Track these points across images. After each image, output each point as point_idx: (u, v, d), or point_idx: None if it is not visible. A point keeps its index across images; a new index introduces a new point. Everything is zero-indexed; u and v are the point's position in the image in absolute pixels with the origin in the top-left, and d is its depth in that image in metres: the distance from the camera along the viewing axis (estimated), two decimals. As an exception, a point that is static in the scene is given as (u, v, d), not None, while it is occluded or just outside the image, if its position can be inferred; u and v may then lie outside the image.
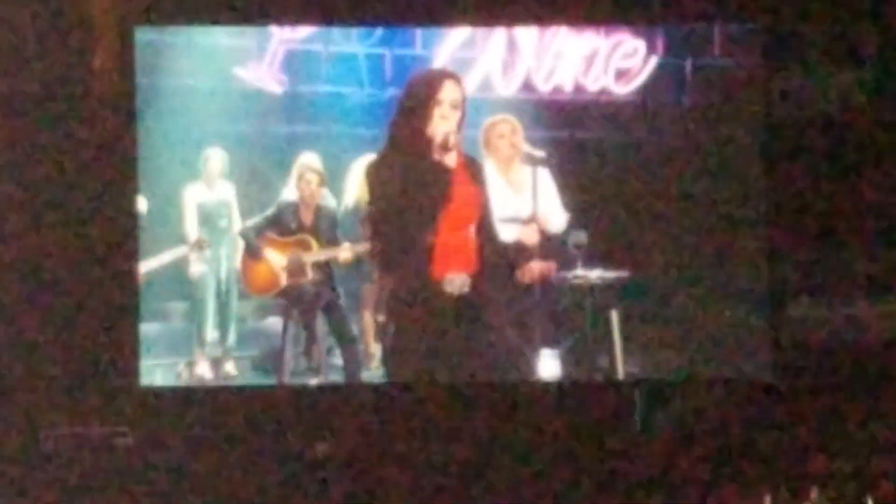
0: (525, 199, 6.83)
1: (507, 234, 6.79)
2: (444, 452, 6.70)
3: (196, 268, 7.32)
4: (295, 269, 7.19)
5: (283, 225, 7.23)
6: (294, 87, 7.54)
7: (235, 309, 7.44)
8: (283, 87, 7.52)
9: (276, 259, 7.22)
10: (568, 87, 7.65)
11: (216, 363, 7.39)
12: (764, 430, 7.05)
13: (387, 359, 6.21)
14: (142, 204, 7.05)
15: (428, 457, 6.70)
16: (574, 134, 7.54)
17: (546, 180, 6.97)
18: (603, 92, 7.66)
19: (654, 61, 7.62)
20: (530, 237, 6.79)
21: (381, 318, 6.55)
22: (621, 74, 7.63)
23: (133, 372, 6.88)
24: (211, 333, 7.41)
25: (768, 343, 7.23)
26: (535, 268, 6.66)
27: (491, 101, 7.34)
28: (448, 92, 5.83)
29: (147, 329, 7.29)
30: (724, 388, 7.17)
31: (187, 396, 6.95)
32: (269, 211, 7.27)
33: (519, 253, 6.79)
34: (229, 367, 7.43)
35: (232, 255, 7.35)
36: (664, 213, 7.37)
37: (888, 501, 6.77)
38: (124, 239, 6.90)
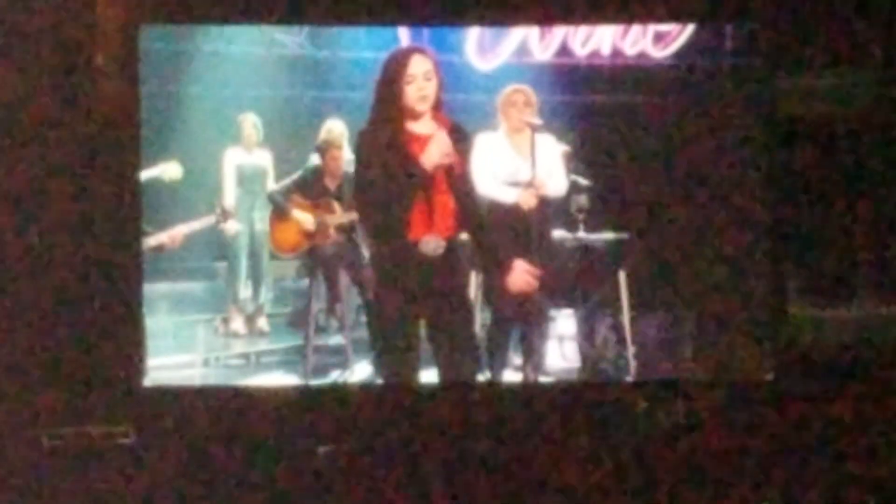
0: (527, 165, 7.06)
1: (507, 196, 7.06)
2: (440, 453, 6.86)
3: (232, 227, 7.77)
4: (319, 231, 7.57)
5: (308, 189, 7.61)
6: (334, 52, 7.90)
7: (267, 268, 7.89)
8: (322, 52, 7.88)
9: (301, 221, 7.61)
10: (605, 51, 7.82)
11: (250, 319, 7.90)
12: (764, 432, 7.02)
13: (369, 310, 6.48)
14: (176, 170, 7.44)
15: (427, 458, 6.83)
16: (607, 98, 7.75)
17: (549, 147, 7.20)
18: (641, 56, 7.79)
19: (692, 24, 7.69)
20: (528, 201, 7.03)
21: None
22: (660, 37, 7.73)
23: (136, 371, 6.97)
24: (244, 291, 7.89)
25: (769, 345, 7.23)
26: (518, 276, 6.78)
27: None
28: (417, 65, 6.10)
29: (191, 287, 7.83)
30: (723, 389, 7.16)
31: (190, 396, 7.03)
32: (296, 175, 7.65)
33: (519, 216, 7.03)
34: (262, 324, 7.93)
35: (264, 217, 7.76)
36: (674, 188, 7.48)
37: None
38: (127, 239, 7.00)
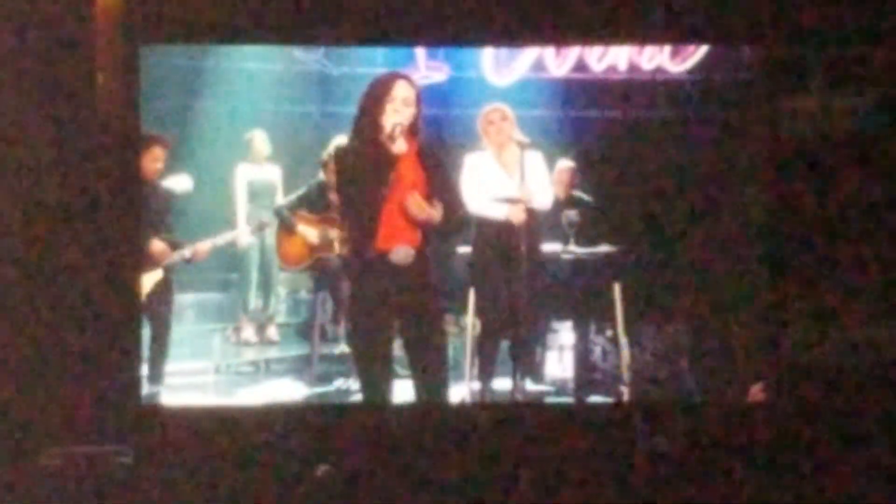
0: (514, 181, 7.20)
1: (497, 212, 7.22)
2: (437, 474, 6.83)
3: (244, 241, 8.05)
4: (323, 244, 7.81)
5: (313, 203, 7.85)
6: (352, 68, 8.13)
7: (277, 280, 8.19)
8: (340, 69, 8.11)
9: (306, 235, 7.85)
10: (622, 66, 7.95)
11: (260, 329, 8.20)
12: (763, 452, 6.94)
13: (349, 318, 6.74)
14: (187, 182, 7.70)
15: (424, 478, 6.80)
16: (610, 113, 7.90)
17: (536, 163, 7.32)
18: (658, 70, 7.90)
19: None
20: (517, 216, 7.15)
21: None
22: (676, 52, 7.83)
23: (135, 390, 6.99)
24: (254, 301, 8.18)
25: (767, 365, 7.21)
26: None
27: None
28: (399, 90, 6.31)
29: (206, 298, 8.15)
30: (723, 409, 7.15)
31: (189, 416, 7.06)
32: (301, 190, 7.90)
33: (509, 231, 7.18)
34: (271, 333, 8.29)
35: (273, 231, 8.03)
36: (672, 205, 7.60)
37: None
38: (125, 251, 6.96)
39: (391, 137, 6.23)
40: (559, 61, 8.05)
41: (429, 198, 6.34)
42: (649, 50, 7.83)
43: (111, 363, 6.86)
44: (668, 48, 7.81)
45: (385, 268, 6.23)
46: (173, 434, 6.87)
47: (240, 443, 6.86)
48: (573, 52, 7.94)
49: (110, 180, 6.90)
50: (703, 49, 7.78)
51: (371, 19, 7.02)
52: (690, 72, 7.85)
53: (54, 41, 6.88)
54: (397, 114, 6.30)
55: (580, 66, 8.00)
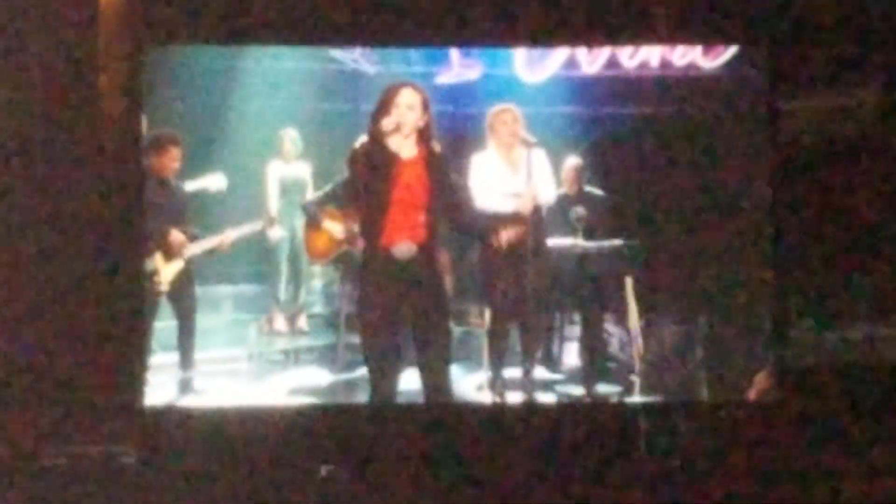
0: (521, 178, 7.44)
1: (504, 206, 7.49)
2: (443, 473, 7.02)
3: (275, 234, 8.38)
4: (348, 238, 8.08)
5: (339, 199, 8.11)
6: (387, 67, 8.36)
7: (306, 272, 8.53)
8: (376, 68, 8.36)
9: (332, 229, 8.13)
10: (654, 62, 8.06)
11: (291, 319, 8.54)
12: (766, 453, 7.08)
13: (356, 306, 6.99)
14: (221, 181, 8.03)
15: (430, 478, 6.99)
16: (624, 110, 8.04)
17: (541, 160, 7.57)
18: (690, 67, 8.00)
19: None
20: (524, 207, 7.45)
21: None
22: (708, 49, 7.93)
23: (138, 391, 7.08)
24: (285, 293, 8.49)
25: (772, 365, 7.32)
26: (503, 235, 7.32)
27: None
28: (405, 97, 6.64)
29: (242, 289, 8.49)
30: (727, 410, 7.29)
31: (191, 416, 7.18)
32: (328, 187, 8.16)
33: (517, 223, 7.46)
34: (302, 323, 8.62)
35: (303, 226, 8.32)
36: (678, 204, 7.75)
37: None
38: (131, 251, 7.15)
39: (392, 132, 6.49)
40: (591, 59, 8.17)
41: (430, 201, 6.58)
42: (681, 46, 7.90)
43: (116, 363, 7.06)
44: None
45: (389, 262, 6.49)
46: (176, 435, 7.05)
47: (243, 443, 7.07)
48: (605, 50, 8.05)
49: (114, 180, 7.16)
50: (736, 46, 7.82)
51: (403, 21, 7.42)
52: (723, 68, 7.89)
53: (57, 43, 7.09)
54: (400, 117, 6.62)
55: (612, 63, 8.10)
